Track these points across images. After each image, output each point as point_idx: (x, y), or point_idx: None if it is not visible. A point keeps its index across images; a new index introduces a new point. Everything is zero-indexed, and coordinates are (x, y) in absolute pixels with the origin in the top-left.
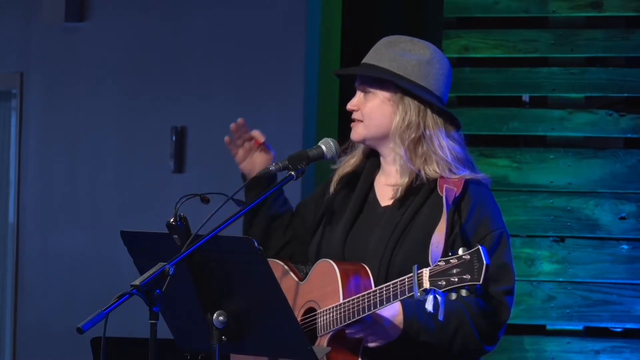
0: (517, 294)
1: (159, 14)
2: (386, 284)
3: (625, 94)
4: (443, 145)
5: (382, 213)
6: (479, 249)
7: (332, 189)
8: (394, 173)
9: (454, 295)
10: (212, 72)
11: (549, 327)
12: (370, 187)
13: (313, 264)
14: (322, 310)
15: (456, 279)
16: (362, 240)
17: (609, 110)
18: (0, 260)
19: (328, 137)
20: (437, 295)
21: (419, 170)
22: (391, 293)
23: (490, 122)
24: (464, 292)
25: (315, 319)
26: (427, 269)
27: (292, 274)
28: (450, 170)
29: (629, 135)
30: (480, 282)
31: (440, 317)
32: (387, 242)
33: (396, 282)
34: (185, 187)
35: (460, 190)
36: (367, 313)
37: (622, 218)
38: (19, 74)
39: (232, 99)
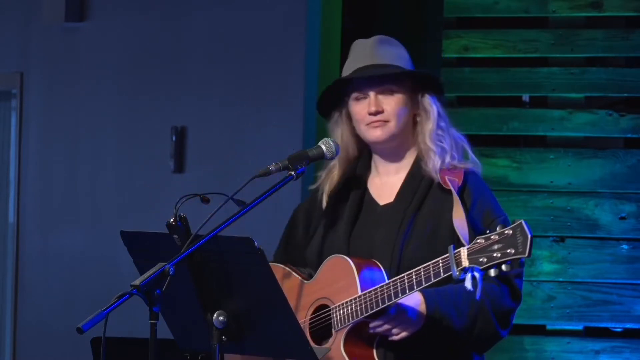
0: None
1: (159, 14)
2: (416, 269)
3: (625, 94)
4: (451, 134)
5: (384, 211)
6: (521, 223)
7: (324, 203)
8: (401, 167)
9: (493, 272)
10: (212, 72)
11: (549, 327)
12: (365, 189)
13: (314, 267)
14: (337, 305)
15: (499, 255)
16: (366, 240)
17: (609, 110)
18: (0, 260)
19: (328, 137)
20: (476, 273)
21: (437, 155)
22: (423, 277)
23: (490, 122)
24: (504, 267)
25: (329, 315)
26: (465, 247)
27: (295, 274)
28: (452, 157)
29: (629, 135)
30: (527, 254)
31: (478, 296)
32: (395, 238)
33: (428, 265)
34: (185, 187)
35: (461, 181)
36: (395, 300)
37: (622, 218)
38: (19, 74)
39: (232, 99)
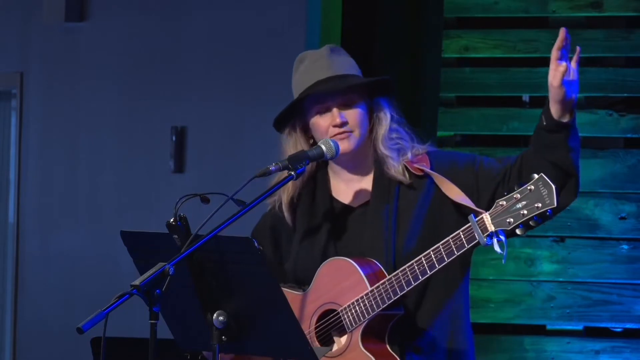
0: (517, 294)
1: (159, 14)
2: (434, 248)
3: (625, 94)
4: (408, 132)
5: (363, 213)
6: (541, 175)
7: (288, 219)
8: (365, 172)
9: (519, 231)
10: (212, 72)
11: (549, 327)
12: (331, 198)
13: (299, 280)
14: (345, 306)
15: (526, 211)
16: (353, 244)
17: (609, 110)
18: (0, 260)
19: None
20: (501, 237)
21: (394, 160)
22: (444, 253)
23: (490, 122)
24: (532, 223)
25: (337, 318)
26: (487, 212)
27: (288, 289)
28: (411, 149)
29: (629, 135)
30: (555, 204)
31: (504, 259)
32: (384, 235)
33: (447, 241)
34: (185, 187)
35: (428, 163)
36: (415, 283)
37: (622, 218)
38: (19, 74)
39: (232, 99)
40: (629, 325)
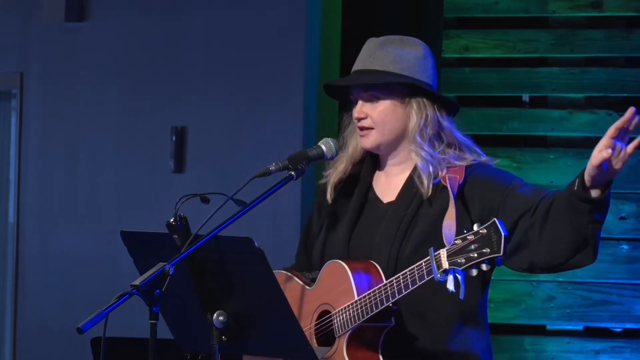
0: (517, 294)
1: (159, 14)
2: (402, 272)
3: (625, 94)
4: (455, 135)
5: (386, 209)
6: (494, 221)
7: (328, 197)
8: (405, 168)
9: (474, 272)
10: (212, 72)
11: (549, 327)
12: (369, 187)
13: (318, 268)
14: (337, 310)
15: (475, 255)
16: (366, 238)
17: (609, 110)
18: (0, 260)
19: (328, 137)
20: (457, 275)
21: (442, 161)
22: (409, 280)
23: (490, 122)
24: (484, 267)
25: (331, 320)
26: (444, 249)
27: (297, 280)
28: (461, 158)
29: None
30: (501, 253)
31: (462, 296)
32: (393, 237)
33: (413, 268)
34: (185, 187)
35: (462, 177)
36: (385, 305)
37: (622, 218)
38: (19, 74)
39: (232, 99)
40: (629, 325)
